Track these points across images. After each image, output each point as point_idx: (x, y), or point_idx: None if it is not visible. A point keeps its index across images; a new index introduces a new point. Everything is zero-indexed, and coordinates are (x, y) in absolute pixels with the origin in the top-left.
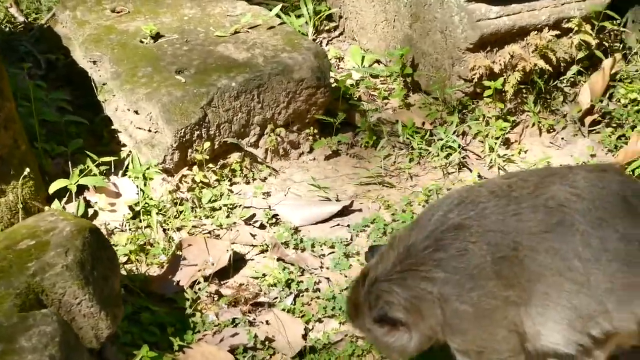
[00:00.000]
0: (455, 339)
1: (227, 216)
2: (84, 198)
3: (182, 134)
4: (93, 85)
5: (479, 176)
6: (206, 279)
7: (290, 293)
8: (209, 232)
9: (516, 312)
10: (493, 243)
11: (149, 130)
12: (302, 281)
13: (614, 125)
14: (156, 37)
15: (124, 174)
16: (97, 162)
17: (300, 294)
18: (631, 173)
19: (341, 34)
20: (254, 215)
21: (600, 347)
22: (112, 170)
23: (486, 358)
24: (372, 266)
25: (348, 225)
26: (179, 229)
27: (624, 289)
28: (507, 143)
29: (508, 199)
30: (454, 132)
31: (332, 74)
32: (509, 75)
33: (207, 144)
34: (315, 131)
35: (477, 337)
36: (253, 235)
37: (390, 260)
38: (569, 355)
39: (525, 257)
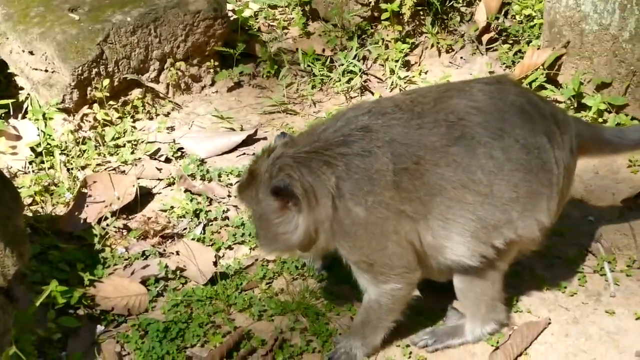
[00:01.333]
0: (344, 244)
1: (132, 152)
2: None
3: (79, 72)
4: None
5: None
6: (113, 214)
7: (200, 223)
8: (114, 169)
9: (412, 228)
10: (396, 154)
11: (46, 71)
12: (210, 210)
13: (511, 41)
14: None
15: (23, 117)
16: None
17: (210, 223)
18: (528, 86)
19: None
20: (158, 149)
21: (503, 258)
22: (11, 114)
23: (378, 271)
24: (280, 144)
25: (253, 154)
26: (83, 168)
27: (527, 196)
28: (407, 65)
29: (411, 114)
30: (354, 57)
31: (229, 5)
32: None
33: (106, 81)
34: (216, 64)
35: (367, 247)
36: (159, 169)
37: (300, 143)
38: (472, 268)
39: (427, 172)
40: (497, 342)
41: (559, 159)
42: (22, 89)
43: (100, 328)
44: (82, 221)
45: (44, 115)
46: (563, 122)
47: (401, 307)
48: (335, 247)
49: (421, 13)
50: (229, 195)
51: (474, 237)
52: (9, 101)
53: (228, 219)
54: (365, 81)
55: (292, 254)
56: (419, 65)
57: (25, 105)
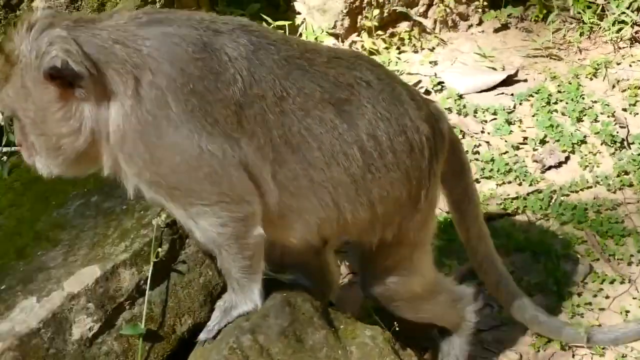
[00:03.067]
0: (140, 155)
1: None
2: None
3: (352, 0)
4: None
5: None
6: None
7: None
8: None
9: (246, 152)
10: (257, 75)
11: None
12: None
13: None
14: None
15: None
16: (273, 25)
17: None
18: None
19: None
20: (419, 81)
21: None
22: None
23: (185, 201)
24: (44, 15)
25: (512, 94)
26: None
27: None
28: None
29: (299, 54)
30: (628, 7)
31: None
32: None
33: (376, 11)
34: (485, 3)
35: (169, 162)
36: None
37: (82, 21)
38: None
39: (291, 114)
40: None
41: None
42: (299, 13)
43: None
44: None
45: (316, 39)
46: (439, 138)
47: (247, 251)
48: (122, 165)
49: None
50: (482, 131)
51: (319, 227)
52: (286, 23)
53: (478, 154)
54: (636, 32)
55: (80, 172)
56: None
57: (299, 30)
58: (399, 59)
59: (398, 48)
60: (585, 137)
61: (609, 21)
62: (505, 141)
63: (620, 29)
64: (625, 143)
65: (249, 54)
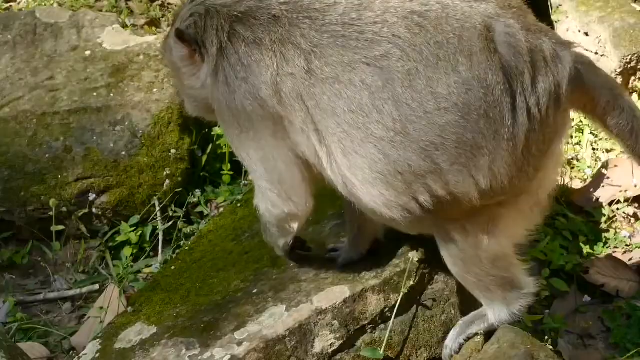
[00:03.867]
0: (224, 128)
1: None
2: None
3: (627, 60)
4: (549, 5)
5: None
6: (626, 200)
7: None
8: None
9: (302, 140)
10: (288, 55)
11: (595, 53)
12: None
13: None
14: None
15: None
16: None
17: None
18: None
19: None
20: None
21: (434, 220)
22: None
23: (250, 174)
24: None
25: None
26: (607, 151)
27: (459, 146)
28: None
29: (340, 18)
30: None
31: None
32: None
33: None
34: None
35: (232, 138)
36: None
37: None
38: (393, 220)
39: (320, 83)
40: None
41: (520, 107)
42: None
43: (586, 298)
44: (594, 199)
45: None
46: (545, 62)
47: (279, 238)
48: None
49: None
50: None
51: (386, 182)
52: None
53: None
54: None
55: (210, 117)
56: None
57: None
58: None
59: None
60: None
61: None
62: None
63: None
64: None
65: (291, 31)
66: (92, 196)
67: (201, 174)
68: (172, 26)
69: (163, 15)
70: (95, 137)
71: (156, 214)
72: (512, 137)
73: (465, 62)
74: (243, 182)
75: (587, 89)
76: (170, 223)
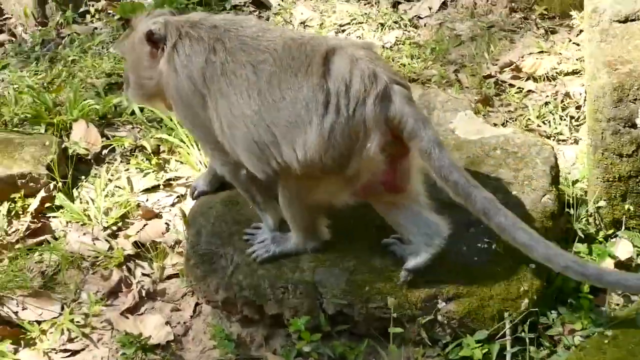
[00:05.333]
0: (173, 105)
1: None
2: None
3: None
4: None
5: None
6: None
7: None
8: None
9: (208, 113)
10: (216, 49)
11: None
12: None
13: None
14: None
15: None
16: None
17: None
18: None
19: None
20: None
21: (291, 183)
22: None
23: (199, 144)
24: (160, 11)
25: None
26: None
27: (286, 125)
28: None
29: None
30: None
31: None
32: None
33: None
34: None
35: (181, 113)
36: None
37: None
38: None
39: (226, 74)
40: None
41: (332, 104)
42: None
43: None
44: None
45: None
46: (364, 79)
47: (247, 184)
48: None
49: None
50: None
51: (251, 149)
52: None
53: None
54: None
55: (150, 104)
56: None
57: None
58: None
59: None
60: None
61: None
62: None
63: None
64: None
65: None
66: (440, 303)
67: (554, 294)
68: (131, 29)
69: (497, 94)
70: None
71: (505, 332)
72: (320, 124)
73: (303, 70)
74: (604, 308)
75: (396, 114)
76: (518, 346)
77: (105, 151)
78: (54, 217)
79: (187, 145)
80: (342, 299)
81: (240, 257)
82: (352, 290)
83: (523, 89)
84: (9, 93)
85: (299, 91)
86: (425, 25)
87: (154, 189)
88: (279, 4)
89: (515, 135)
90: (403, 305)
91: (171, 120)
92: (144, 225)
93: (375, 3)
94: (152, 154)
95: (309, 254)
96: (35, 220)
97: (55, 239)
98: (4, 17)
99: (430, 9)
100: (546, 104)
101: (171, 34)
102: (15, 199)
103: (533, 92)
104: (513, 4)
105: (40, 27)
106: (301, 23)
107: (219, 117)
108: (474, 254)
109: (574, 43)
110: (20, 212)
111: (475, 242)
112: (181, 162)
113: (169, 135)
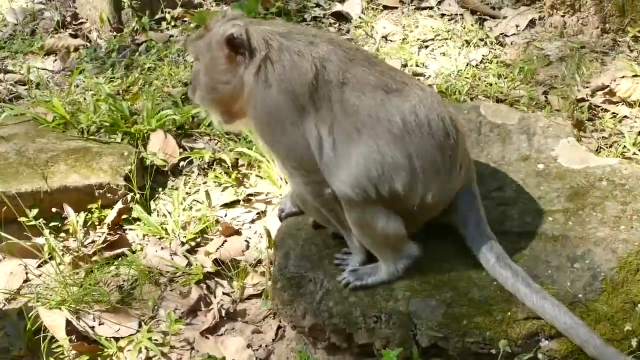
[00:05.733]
0: (255, 123)
1: None
2: None
3: None
4: None
5: None
6: None
7: None
8: None
9: (313, 128)
10: (327, 68)
11: None
12: None
13: None
14: None
15: None
16: None
17: None
18: None
19: None
20: None
21: (382, 205)
22: None
23: (281, 162)
24: (235, 14)
25: None
26: None
27: (428, 165)
28: None
29: (365, 60)
30: None
31: None
32: None
33: None
34: None
35: (267, 128)
36: None
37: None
38: (349, 200)
39: (349, 92)
40: None
41: (453, 162)
42: None
43: None
44: None
45: None
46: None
47: (325, 200)
48: (249, 123)
49: None
50: None
51: (366, 168)
52: None
53: None
54: None
55: (215, 111)
56: None
57: None
58: None
59: None
60: None
61: None
62: None
63: None
64: None
65: (327, 55)
66: (543, 342)
67: None
68: (206, 30)
69: (589, 119)
70: (550, 271)
71: None
72: (447, 175)
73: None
74: None
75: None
76: None
77: (182, 163)
78: (130, 229)
79: (267, 160)
80: (437, 331)
81: (331, 283)
82: (449, 323)
83: (617, 114)
84: (85, 99)
85: (443, 139)
86: (512, 43)
87: (233, 204)
88: (359, 17)
89: (622, 166)
90: (509, 342)
91: (251, 133)
92: (224, 242)
93: (460, 19)
94: (230, 168)
95: (403, 280)
96: (112, 232)
97: (133, 252)
98: (78, 21)
99: (517, 27)
100: None
101: (259, 44)
102: (92, 210)
103: (627, 117)
104: (605, 25)
105: (115, 33)
106: (383, 37)
107: (331, 134)
108: (578, 291)
109: None
110: (97, 223)
111: (580, 278)
112: (261, 177)
113: (249, 149)
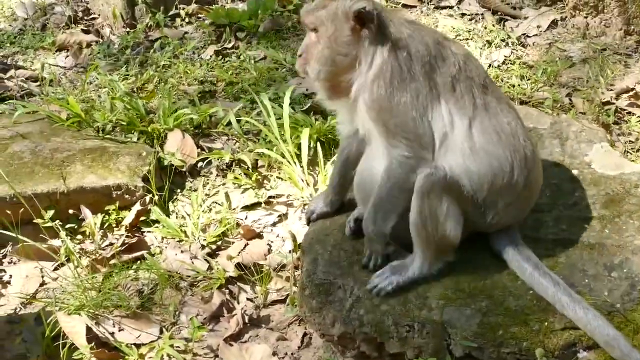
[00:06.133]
0: (370, 92)
1: None
2: None
3: None
4: None
5: None
6: None
7: None
8: None
9: (444, 111)
10: (469, 68)
11: None
12: None
13: None
14: None
15: None
16: None
17: None
18: None
19: None
20: None
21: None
22: None
23: (391, 131)
24: None
25: None
26: None
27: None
28: None
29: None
30: None
31: None
32: None
33: None
34: None
35: (389, 98)
36: None
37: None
38: (445, 186)
39: (490, 97)
40: None
41: None
42: None
43: None
44: None
45: None
46: None
47: (406, 187)
48: (358, 99)
49: None
50: None
51: (493, 172)
52: None
53: None
54: None
55: (324, 85)
56: None
57: None
58: None
59: None
60: None
61: None
62: None
63: None
64: None
65: (464, 56)
66: (580, 353)
67: None
68: (329, 2)
69: (615, 122)
70: (586, 280)
71: None
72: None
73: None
74: None
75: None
76: None
77: (200, 163)
78: (149, 231)
79: (288, 162)
80: (472, 341)
81: (361, 290)
82: (484, 332)
83: None
84: (99, 97)
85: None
86: (534, 44)
87: (254, 206)
88: None
89: None
90: (547, 354)
91: (272, 133)
92: (245, 245)
93: (480, 19)
94: (250, 169)
95: (437, 288)
96: (130, 234)
97: (152, 255)
98: (90, 17)
99: (538, 27)
100: None
101: (388, 22)
102: (110, 211)
103: None
104: (629, 27)
105: (128, 29)
106: None
107: (470, 126)
108: (616, 300)
109: None
110: (114, 225)
111: (617, 287)
112: (282, 179)
113: (269, 149)
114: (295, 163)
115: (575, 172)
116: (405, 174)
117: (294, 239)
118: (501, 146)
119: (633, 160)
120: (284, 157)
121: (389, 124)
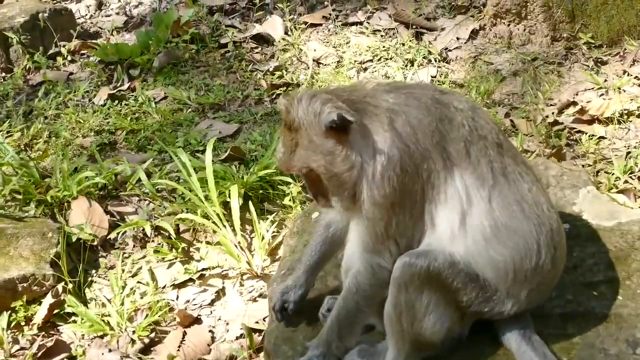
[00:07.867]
0: (383, 179)
1: None
2: None
3: None
4: None
5: None
6: None
7: None
8: None
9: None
10: (479, 125)
11: None
12: None
13: None
14: None
15: None
16: None
17: None
18: None
19: None
20: None
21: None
22: None
23: (378, 234)
24: (304, 92)
25: None
26: None
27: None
28: None
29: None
30: None
31: None
32: None
33: None
34: None
35: (388, 199)
36: None
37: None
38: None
39: (507, 158)
40: None
41: None
42: None
43: None
44: None
45: None
46: None
47: (375, 297)
48: (364, 198)
49: None
50: None
51: (520, 256)
52: None
53: None
54: None
55: (343, 204)
56: None
57: None
58: None
59: None
60: None
61: None
62: None
63: None
64: None
65: (471, 109)
66: None
67: None
68: (292, 132)
69: (568, 144)
70: (605, 358)
71: None
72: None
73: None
74: None
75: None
76: None
77: (113, 234)
78: (65, 328)
79: (216, 225)
80: None
81: None
82: None
83: (594, 135)
84: None
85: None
86: (457, 58)
87: (185, 283)
88: (282, 39)
89: None
90: None
91: (190, 191)
92: (184, 335)
93: (395, 35)
94: (172, 237)
95: None
96: (45, 333)
97: (73, 358)
98: None
99: (458, 39)
100: (628, 154)
101: (360, 111)
102: (17, 308)
103: (604, 138)
104: (555, 33)
105: (4, 75)
106: (315, 61)
107: (491, 211)
108: None
109: (635, 77)
110: (24, 324)
111: None
112: (210, 244)
113: (191, 211)
114: (225, 226)
115: (567, 226)
116: (378, 286)
117: (250, 334)
118: (525, 221)
119: (631, 208)
120: (209, 218)
121: (390, 223)
